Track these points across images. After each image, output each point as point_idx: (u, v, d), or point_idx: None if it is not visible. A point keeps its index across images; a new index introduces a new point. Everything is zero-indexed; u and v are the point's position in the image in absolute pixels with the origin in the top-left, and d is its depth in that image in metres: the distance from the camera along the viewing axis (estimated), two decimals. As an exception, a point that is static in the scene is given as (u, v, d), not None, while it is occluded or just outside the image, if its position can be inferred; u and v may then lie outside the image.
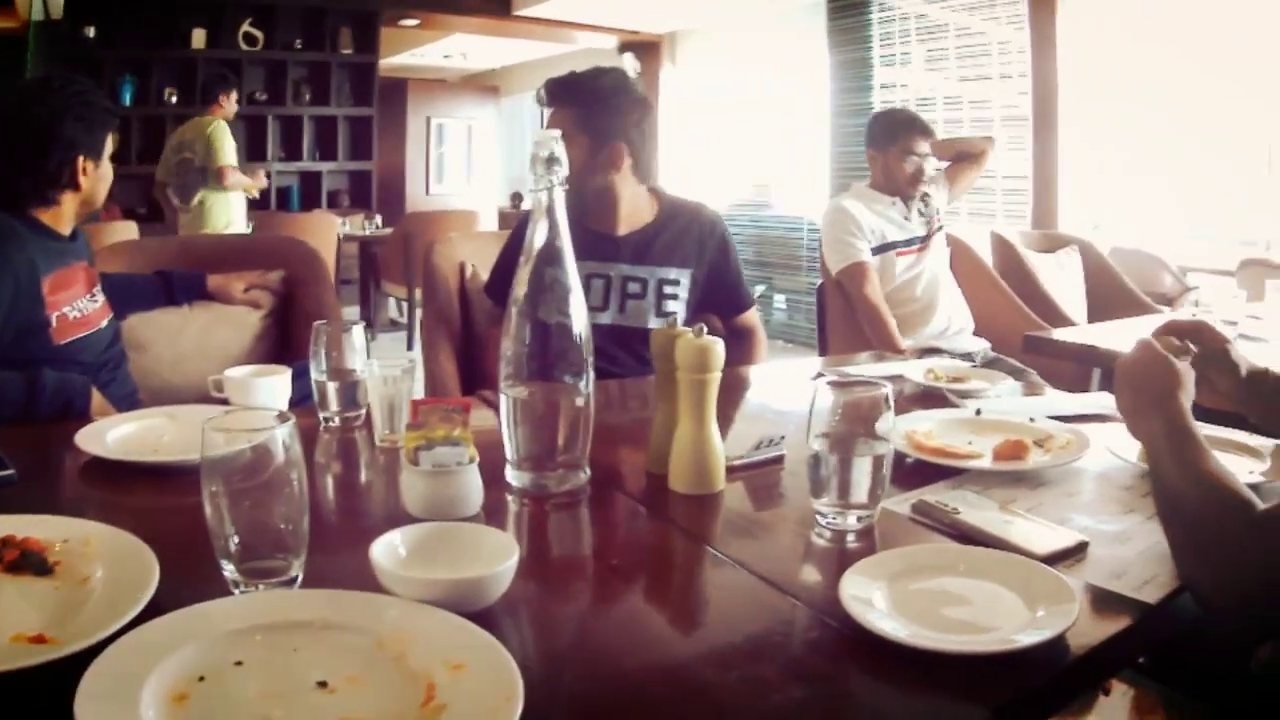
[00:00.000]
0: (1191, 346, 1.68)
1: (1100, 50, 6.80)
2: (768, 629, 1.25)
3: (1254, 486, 1.49)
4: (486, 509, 1.56)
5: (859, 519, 1.52)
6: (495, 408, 1.76)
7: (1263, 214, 6.36)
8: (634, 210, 2.92)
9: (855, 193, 4.45)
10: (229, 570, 1.23)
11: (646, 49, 11.02)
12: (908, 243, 4.33)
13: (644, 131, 2.84)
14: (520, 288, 1.64)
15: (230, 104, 7.29)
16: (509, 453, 1.68)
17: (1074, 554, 1.43)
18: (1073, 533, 1.48)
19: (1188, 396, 1.53)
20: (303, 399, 2.11)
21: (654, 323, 2.82)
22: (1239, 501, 1.33)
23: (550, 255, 1.64)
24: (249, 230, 7.59)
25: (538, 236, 1.64)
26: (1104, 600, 1.30)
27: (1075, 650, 1.16)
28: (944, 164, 4.55)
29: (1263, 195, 6.36)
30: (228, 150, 7.06)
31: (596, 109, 2.79)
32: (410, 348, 8.33)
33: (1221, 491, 1.35)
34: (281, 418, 1.24)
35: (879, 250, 4.27)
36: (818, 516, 1.54)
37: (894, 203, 4.34)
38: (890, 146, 4.36)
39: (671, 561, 1.57)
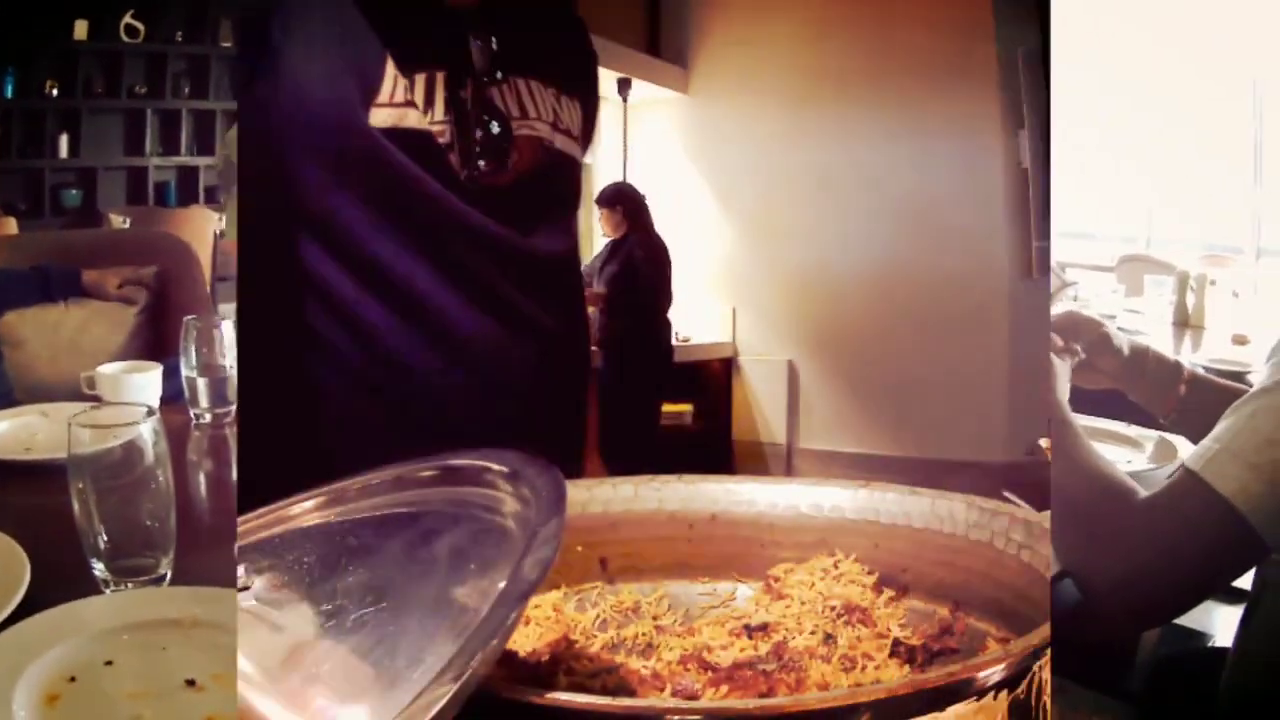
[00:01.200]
0: (1058, 340, 1.70)
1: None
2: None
3: (1134, 475, 1.52)
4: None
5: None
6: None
7: (1142, 211, 6.51)
8: None
9: None
10: (99, 569, 1.22)
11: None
12: None
13: None
14: None
15: None
16: None
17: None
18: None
19: (1064, 391, 1.56)
20: (176, 395, 2.08)
21: None
22: (1120, 489, 1.35)
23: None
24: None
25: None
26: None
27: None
28: None
29: (1143, 193, 6.51)
30: None
31: None
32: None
33: (1102, 479, 1.38)
34: (147, 413, 1.23)
35: None
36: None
37: None
38: None
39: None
